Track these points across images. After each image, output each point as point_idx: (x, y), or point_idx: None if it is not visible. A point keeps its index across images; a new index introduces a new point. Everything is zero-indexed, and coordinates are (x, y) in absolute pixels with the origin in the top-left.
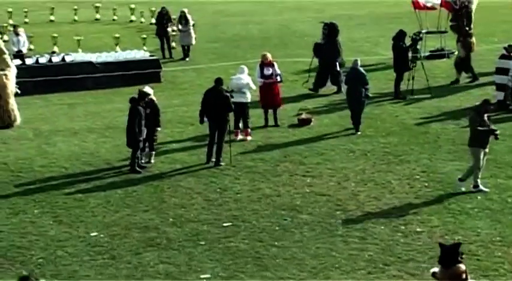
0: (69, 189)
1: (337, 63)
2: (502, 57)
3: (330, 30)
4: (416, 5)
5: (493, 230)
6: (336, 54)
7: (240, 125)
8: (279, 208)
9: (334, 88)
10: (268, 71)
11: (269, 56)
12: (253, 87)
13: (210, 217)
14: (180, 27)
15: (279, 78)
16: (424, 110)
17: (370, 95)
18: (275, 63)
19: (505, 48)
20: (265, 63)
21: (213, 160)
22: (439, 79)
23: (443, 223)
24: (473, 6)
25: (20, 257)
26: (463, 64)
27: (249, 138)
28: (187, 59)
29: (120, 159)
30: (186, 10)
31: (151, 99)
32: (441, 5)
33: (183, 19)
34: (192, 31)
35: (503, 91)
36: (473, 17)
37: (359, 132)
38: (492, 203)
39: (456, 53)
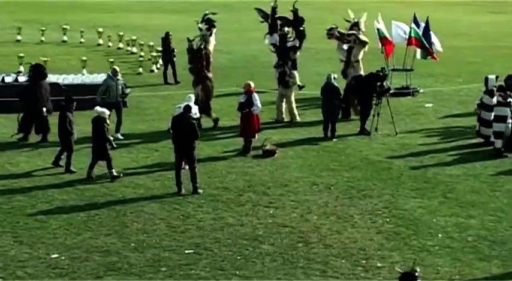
0: (30, 210)
1: (44, 109)
2: (486, 92)
3: (34, 72)
4: (388, 49)
5: (453, 269)
6: (42, 99)
7: None
8: (241, 238)
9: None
10: (242, 99)
11: (249, 84)
12: (197, 116)
13: (172, 244)
14: None
15: (254, 108)
16: (388, 146)
17: (343, 105)
18: (254, 93)
19: (500, 90)
20: (245, 92)
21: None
22: (403, 116)
23: (404, 259)
24: (211, 47)
25: None
26: (205, 108)
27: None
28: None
29: (83, 182)
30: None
31: (103, 117)
32: (408, 43)
33: None
34: None
35: (500, 138)
36: (211, 60)
37: (335, 140)
38: (452, 241)
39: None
